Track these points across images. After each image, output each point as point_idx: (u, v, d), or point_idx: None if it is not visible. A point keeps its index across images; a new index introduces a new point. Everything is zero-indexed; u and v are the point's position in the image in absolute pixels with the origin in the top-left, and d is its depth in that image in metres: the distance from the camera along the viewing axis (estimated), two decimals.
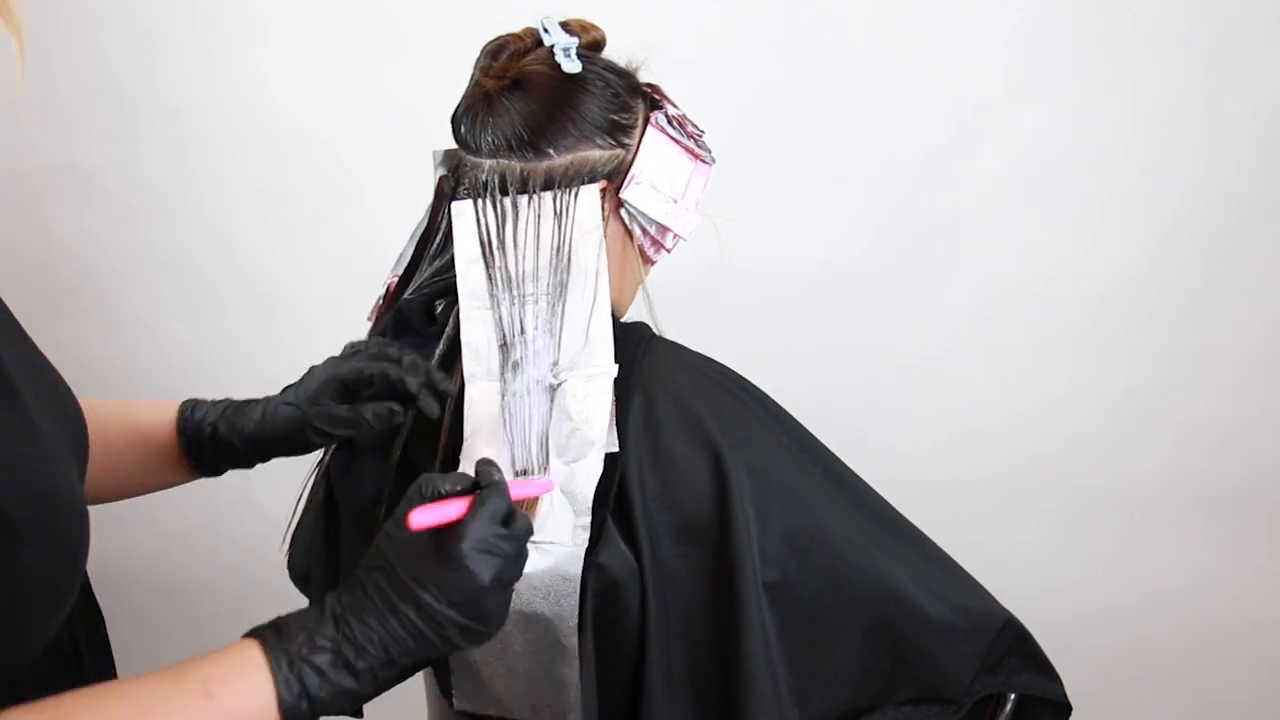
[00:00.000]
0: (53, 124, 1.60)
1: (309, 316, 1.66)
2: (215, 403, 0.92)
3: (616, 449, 0.81)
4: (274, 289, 1.68)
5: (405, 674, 0.67)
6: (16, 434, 0.60)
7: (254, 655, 0.61)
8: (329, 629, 0.63)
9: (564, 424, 0.81)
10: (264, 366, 1.71)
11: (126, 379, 1.72)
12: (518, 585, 0.73)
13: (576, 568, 0.79)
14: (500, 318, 0.84)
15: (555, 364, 0.82)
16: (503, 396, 0.82)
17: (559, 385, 0.82)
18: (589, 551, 0.79)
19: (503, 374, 0.83)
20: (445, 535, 0.64)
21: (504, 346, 0.83)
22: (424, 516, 0.63)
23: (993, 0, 1.53)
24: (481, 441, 0.83)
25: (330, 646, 0.62)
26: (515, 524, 0.66)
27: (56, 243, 1.66)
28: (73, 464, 0.67)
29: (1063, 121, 1.58)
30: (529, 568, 0.77)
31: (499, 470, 0.68)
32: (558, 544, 0.79)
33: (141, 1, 1.55)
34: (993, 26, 1.55)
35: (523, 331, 0.83)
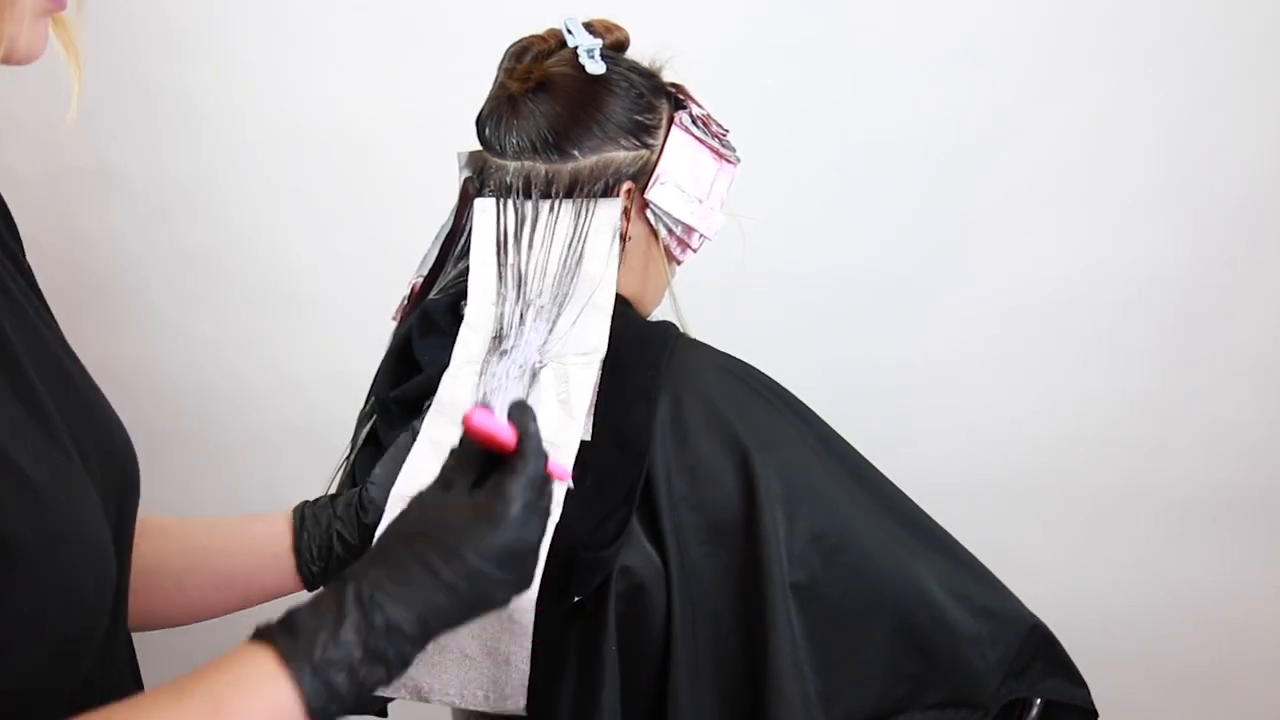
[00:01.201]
0: (81, 125, 1.62)
1: (333, 316, 1.67)
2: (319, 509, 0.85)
3: (588, 438, 0.80)
4: (299, 289, 1.69)
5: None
6: (36, 464, 0.55)
7: (267, 664, 0.55)
8: (353, 616, 0.56)
9: (541, 405, 0.81)
10: (286, 366, 1.72)
11: (151, 377, 1.74)
12: None
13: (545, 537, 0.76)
14: (502, 313, 0.84)
15: (543, 346, 0.83)
16: (480, 379, 0.83)
17: (541, 367, 0.82)
18: (616, 553, 0.79)
19: (486, 359, 0.83)
20: (489, 497, 0.61)
21: (497, 337, 0.84)
22: (482, 418, 0.61)
23: (1015, 3, 1.52)
24: (442, 418, 0.82)
25: (357, 639, 0.56)
26: (549, 483, 0.65)
27: (84, 242, 1.68)
28: (99, 501, 0.61)
29: (1085, 124, 1.57)
30: None
31: (535, 420, 0.64)
32: None
33: (169, 3, 1.56)
34: (1015, 29, 1.53)
35: (520, 323, 0.83)
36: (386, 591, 0.57)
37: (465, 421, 0.62)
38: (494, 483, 0.62)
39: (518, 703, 0.77)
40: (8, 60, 0.58)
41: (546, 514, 0.64)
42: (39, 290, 0.71)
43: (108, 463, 0.64)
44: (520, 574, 0.62)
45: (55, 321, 0.70)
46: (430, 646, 0.66)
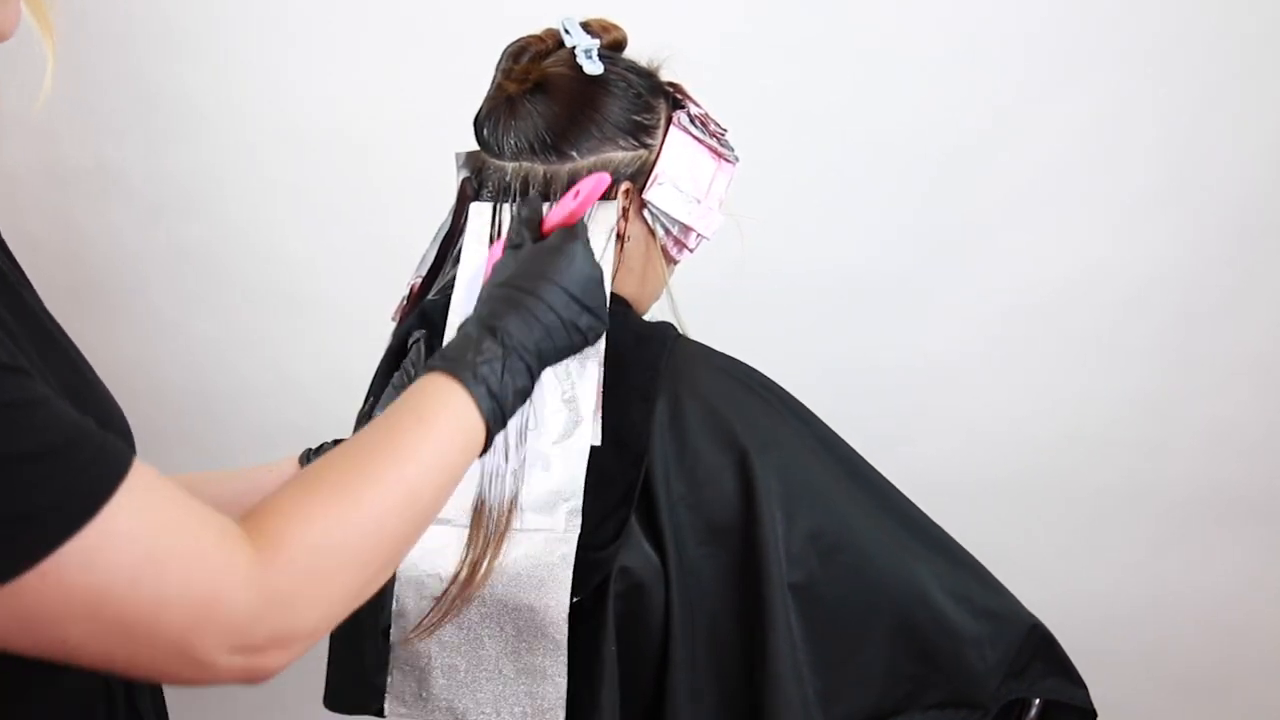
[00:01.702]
0: (81, 123, 1.62)
1: (332, 315, 1.67)
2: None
3: (598, 442, 0.80)
4: (298, 288, 1.69)
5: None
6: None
7: (441, 380, 0.66)
8: (488, 341, 0.68)
9: (545, 407, 0.81)
10: (287, 365, 1.72)
11: (151, 376, 1.74)
12: (497, 575, 0.76)
13: (569, 554, 0.77)
14: None
15: None
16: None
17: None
18: (615, 554, 0.79)
19: None
20: (557, 241, 0.74)
21: None
22: (556, 215, 0.76)
23: (1015, 3, 1.52)
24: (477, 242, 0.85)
25: (500, 354, 0.67)
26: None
27: (84, 240, 1.68)
28: None
29: (1085, 124, 1.57)
30: (517, 556, 0.77)
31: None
32: (549, 531, 0.78)
33: (169, 2, 1.56)
34: (1015, 30, 1.53)
35: None
36: (505, 320, 0.69)
37: (540, 227, 0.77)
38: (555, 236, 0.75)
39: (557, 716, 0.78)
40: None
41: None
42: (22, 270, 0.72)
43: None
44: (596, 302, 0.73)
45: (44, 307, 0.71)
46: (464, 666, 0.76)
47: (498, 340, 0.68)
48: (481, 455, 0.68)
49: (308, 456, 0.89)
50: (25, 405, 0.49)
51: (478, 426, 0.66)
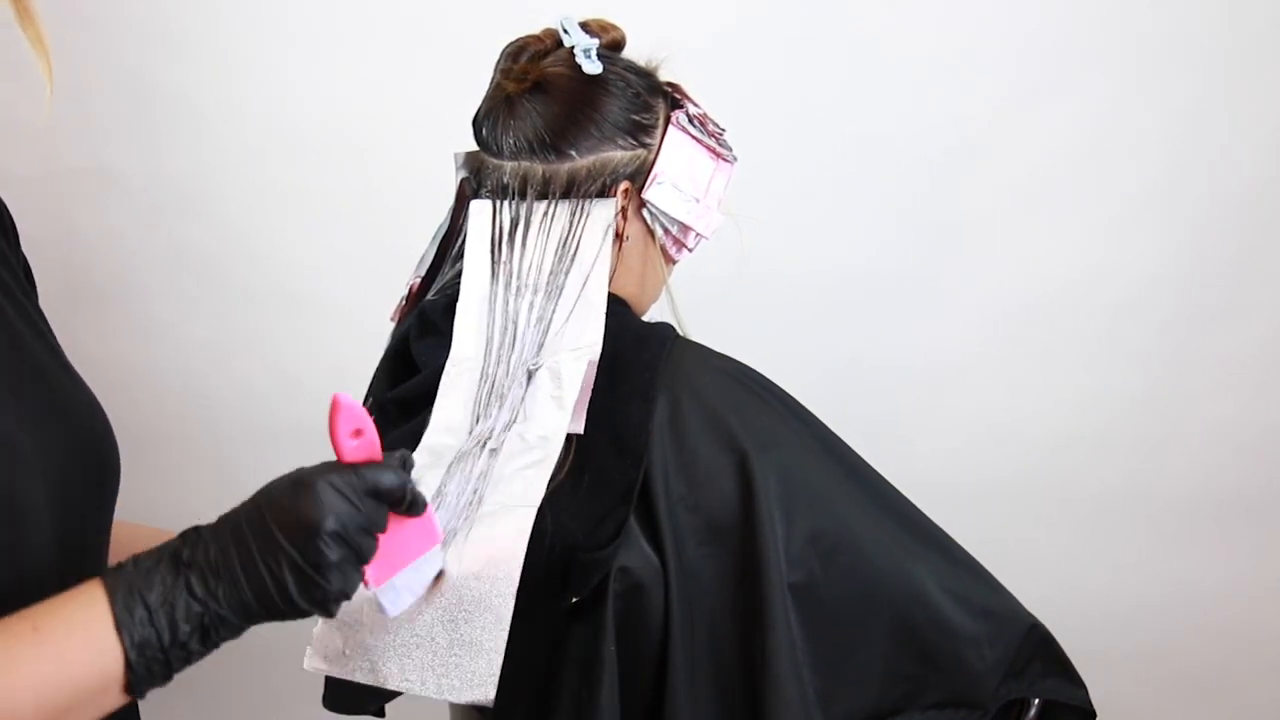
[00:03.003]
0: (80, 124, 1.62)
1: (332, 317, 1.67)
2: None
3: (581, 431, 0.80)
4: (298, 289, 1.69)
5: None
6: None
7: (96, 592, 0.56)
8: (165, 568, 0.58)
9: (536, 402, 0.81)
10: (287, 366, 1.72)
11: (150, 376, 1.74)
12: (460, 539, 0.72)
13: (525, 525, 0.75)
14: (494, 309, 0.84)
15: (540, 350, 0.83)
16: (481, 378, 0.83)
17: (536, 370, 0.83)
18: (613, 554, 0.79)
19: (485, 356, 0.84)
20: (309, 470, 0.62)
21: (493, 335, 0.84)
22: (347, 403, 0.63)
23: (1015, 3, 1.52)
24: (447, 410, 0.83)
25: (170, 581, 0.57)
26: (379, 501, 0.62)
27: (83, 242, 1.68)
28: (39, 470, 0.62)
29: (1084, 123, 1.57)
30: (486, 524, 0.75)
31: (409, 470, 0.66)
32: (504, 500, 0.77)
33: (168, 3, 1.56)
34: (1014, 27, 1.53)
35: (514, 321, 0.84)
36: (204, 550, 0.59)
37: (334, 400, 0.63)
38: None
39: (486, 693, 0.73)
40: None
41: (364, 518, 0.62)
42: (20, 278, 0.72)
43: (79, 445, 0.67)
44: (314, 556, 0.59)
45: (40, 314, 0.71)
46: (394, 628, 0.69)
47: (181, 575, 0.57)
48: (130, 696, 0.56)
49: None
50: None
51: (115, 657, 0.54)
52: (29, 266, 0.75)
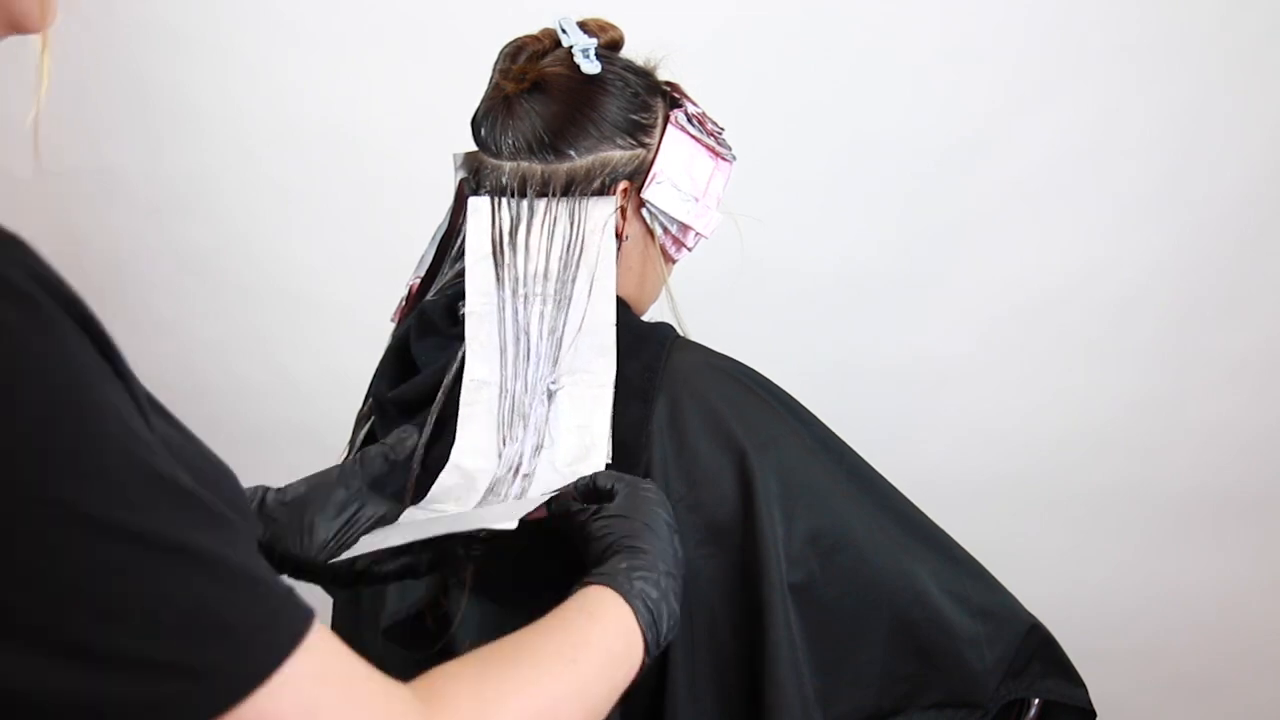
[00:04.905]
0: (80, 124, 1.62)
1: (332, 316, 1.67)
2: None
3: (609, 462, 0.80)
4: (297, 288, 1.69)
5: None
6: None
7: (598, 590, 0.68)
8: (640, 558, 0.69)
9: (559, 429, 0.81)
10: (287, 365, 1.73)
11: (151, 377, 1.74)
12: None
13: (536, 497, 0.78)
14: (505, 318, 0.84)
15: (555, 365, 0.83)
16: (500, 393, 0.83)
17: (556, 391, 0.82)
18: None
19: (501, 369, 0.83)
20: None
21: (506, 347, 0.84)
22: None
23: (1015, 1, 1.52)
24: (473, 433, 0.83)
25: (652, 577, 0.68)
26: None
27: (83, 242, 1.68)
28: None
29: (1084, 122, 1.56)
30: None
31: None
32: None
33: (168, 3, 1.56)
34: (1012, 26, 1.53)
35: (526, 333, 0.83)
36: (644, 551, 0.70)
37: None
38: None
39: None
40: (22, 28, 0.58)
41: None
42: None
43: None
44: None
45: None
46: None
47: (647, 557, 0.69)
48: (642, 668, 0.68)
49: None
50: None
51: (635, 632, 0.66)
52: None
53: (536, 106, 0.83)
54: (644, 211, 0.87)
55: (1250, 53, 1.52)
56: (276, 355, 1.71)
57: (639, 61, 0.89)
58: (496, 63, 0.88)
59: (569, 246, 0.83)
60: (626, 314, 0.89)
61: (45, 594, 0.41)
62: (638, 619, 0.66)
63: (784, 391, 0.91)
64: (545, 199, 0.83)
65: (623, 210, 0.85)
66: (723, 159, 0.90)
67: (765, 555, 0.81)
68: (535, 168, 0.83)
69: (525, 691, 0.58)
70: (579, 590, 0.68)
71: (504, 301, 0.84)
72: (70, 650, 0.41)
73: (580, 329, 0.83)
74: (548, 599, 0.77)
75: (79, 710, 0.42)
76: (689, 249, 0.91)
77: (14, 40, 0.61)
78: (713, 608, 0.83)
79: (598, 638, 0.64)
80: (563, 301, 0.83)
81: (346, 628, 0.96)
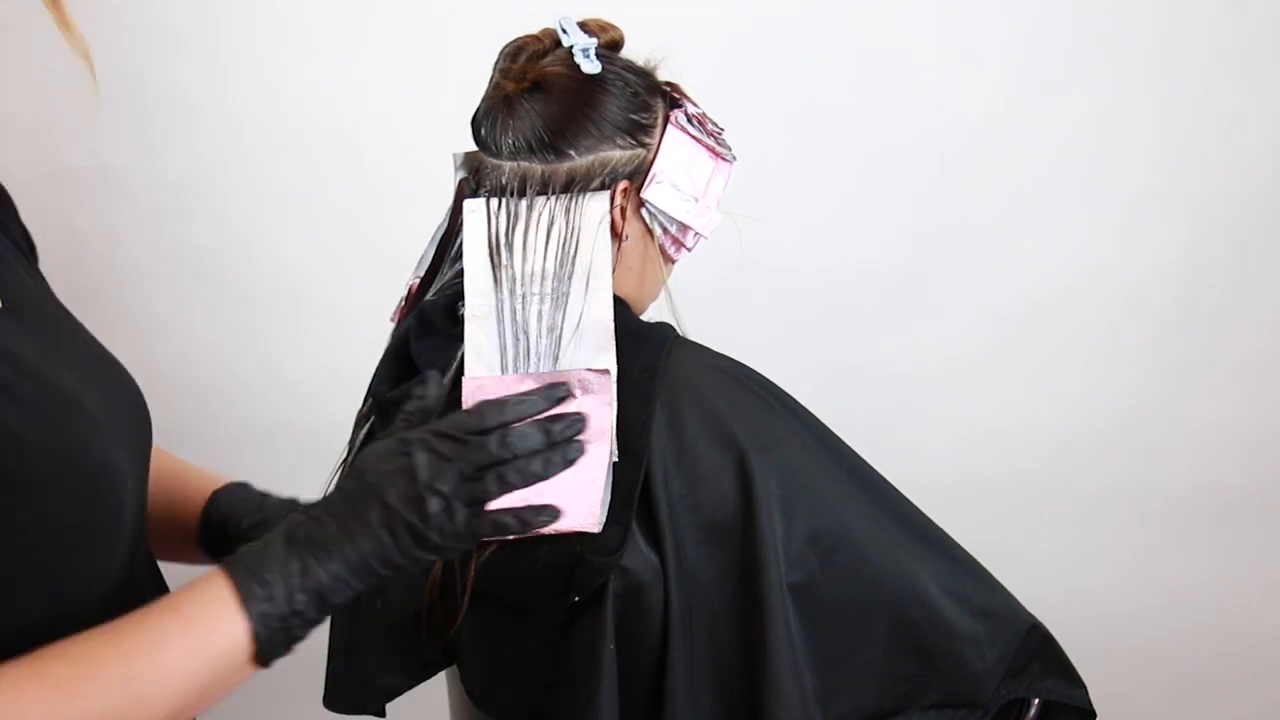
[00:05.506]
0: (80, 125, 1.62)
1: (331, 316, 1.67)
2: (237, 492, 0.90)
3: (616, 458, 0.80)
4: (297, 289, 1.69)
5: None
6: (48, 401, 0.62)
7: (218, 577, 0.62)
8: (280, 545, 0.62)
9: None
10: (287, 365, 1.72)
11: (149, 377, 1.73)
12: None
13: None
14: (504, 318, 0.84)
15: (556, 363, 0.83)
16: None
17: None
18: (618, 559, 0.79)
19: (502, 371, 0.83)
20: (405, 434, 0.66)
21: (505, 347, 0.84)
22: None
23: (1015, 2, 1.52)
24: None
25: (282, 558, 0.62)
26: (471, 442, 0.65)
27: (81, 242, 1.68)
28: (120, 434, 0.68)
29: (1085, 123, 1.57)
30: None
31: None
32: None
33: (168, 3, 1.56)
34: (1015, 28, 1.53)
35: (525, 332, 0.83)
36: (319, 524, 0.64)
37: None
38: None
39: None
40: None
41: (458, 467, 0.65)
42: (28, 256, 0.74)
43: (123, 399, 0.71)
44: (421, 512, 0.63)
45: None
46: None
47: (297, 551, 0.62)
48: (260, 666, 0.61)
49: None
50: None
51: (242, 635, 0.60)
52: (29, 235, 0.77)
53: (536, 106, 0.83)
54: (643, 211, 0.87)
55: (1251, 54, 1.52)
56: (276, 355, 1.71)
57: (639, 61, 0.89)
58: (497, 62, 0.88)
59: (564, 244, 0.83)
60: (626, 314, 0.89)
61: None
62: (246, 614, 0.60)
63: (784, 392, 0.91)
64: (540, 198, 0.83)
65: (622, 210, 0.86)
66: (723, 159, 0.90)
67: (765, 555, 0.81)
68: (535, 167, 0.83)
69: (64, 709, 0.55)
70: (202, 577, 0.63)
71: (503, 302, 0.84)
72: None
73: (579, 326, 0.83)
74: (546, 599, 0.77)
75: None
76: (688, 249, 0.91)
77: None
78: (712, 608, 0.83)
79: (179, 642, 0.59)
80: (560, 299, 0.83)
81: (346, 627, 0.96)
